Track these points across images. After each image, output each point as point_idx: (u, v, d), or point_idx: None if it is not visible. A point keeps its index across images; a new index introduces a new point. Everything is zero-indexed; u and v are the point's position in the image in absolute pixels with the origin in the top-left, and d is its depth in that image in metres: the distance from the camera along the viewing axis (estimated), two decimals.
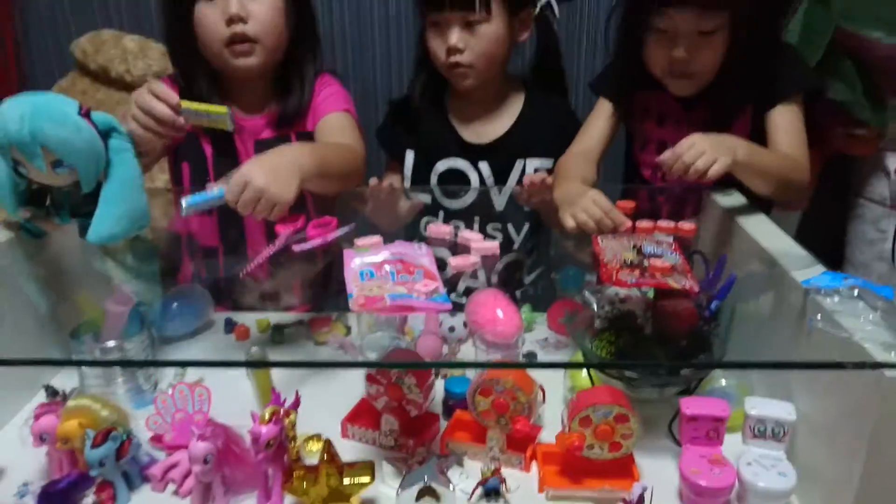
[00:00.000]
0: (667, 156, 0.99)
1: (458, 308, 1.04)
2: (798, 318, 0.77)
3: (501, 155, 1.32)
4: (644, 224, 1.02)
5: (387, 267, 0.84)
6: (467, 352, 1.07)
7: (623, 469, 0.80)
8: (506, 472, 0.79)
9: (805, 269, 0.83)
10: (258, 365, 0.98)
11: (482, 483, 0.76)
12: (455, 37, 1.23)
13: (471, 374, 0.99)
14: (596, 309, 0.96)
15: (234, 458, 0.80)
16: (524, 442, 0.85)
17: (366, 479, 0.77)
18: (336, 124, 1.24)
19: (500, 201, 1.30)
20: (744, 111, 1.19)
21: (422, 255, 0.89)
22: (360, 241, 0.92)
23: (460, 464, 0.85)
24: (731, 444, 0.81)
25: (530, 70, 1.39)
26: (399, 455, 0.87)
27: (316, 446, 0.87)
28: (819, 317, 0.70)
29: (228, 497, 0.79)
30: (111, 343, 0.97)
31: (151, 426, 0.87)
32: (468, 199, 1.31)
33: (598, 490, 0.79)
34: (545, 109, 1.35)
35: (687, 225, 1.03)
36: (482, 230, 1.30)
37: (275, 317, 1.19)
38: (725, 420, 0.80)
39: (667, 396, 0.90)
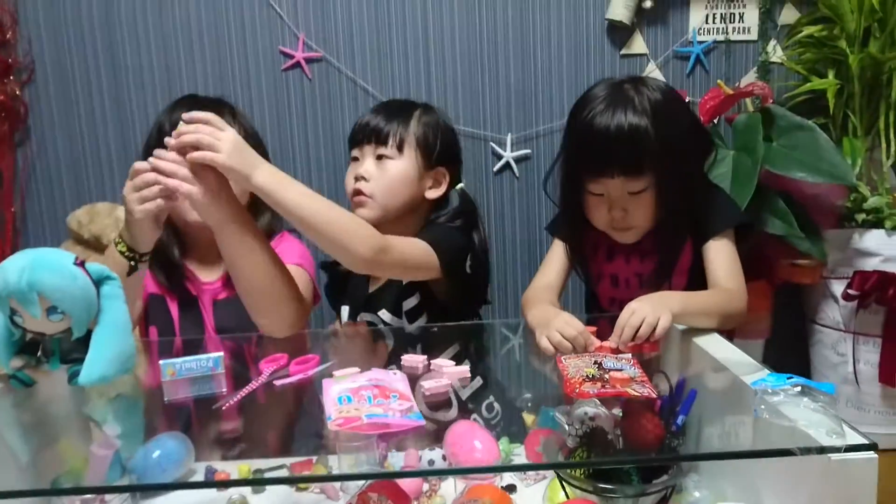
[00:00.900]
0: (615, 335, 1.08)
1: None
2: (749, 416, 0.82)
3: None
4: (609, 343, 1.09)
5: (364, 392, 0.89)
6: (447, 486, 1.08)
7: None
8: None
9: (753, 373, 0.89)
10: None
11: None
12: (363, 167, 1.36)
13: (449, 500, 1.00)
14: (567, 428, 0.99)
15: None
16: None
17: None
18: None
19: (465, 334, 1.36)
20: (684, 242, 1.31)
21: (397, 381, 0.94)
22: (338, 373, 0.97)
23: None
24: None
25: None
26: None
27: None
28: (763, 407, 0.75)
29: None
30: (91, 496, 0.97)
31: None
32: (432, 332, 1.37)
33: None
34: None
35: (648, 344, 1.10)
36: None
37: (255, 463, 1.19)
38: None
39: None
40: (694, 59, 1.89)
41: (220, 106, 1.36)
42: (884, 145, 1.72)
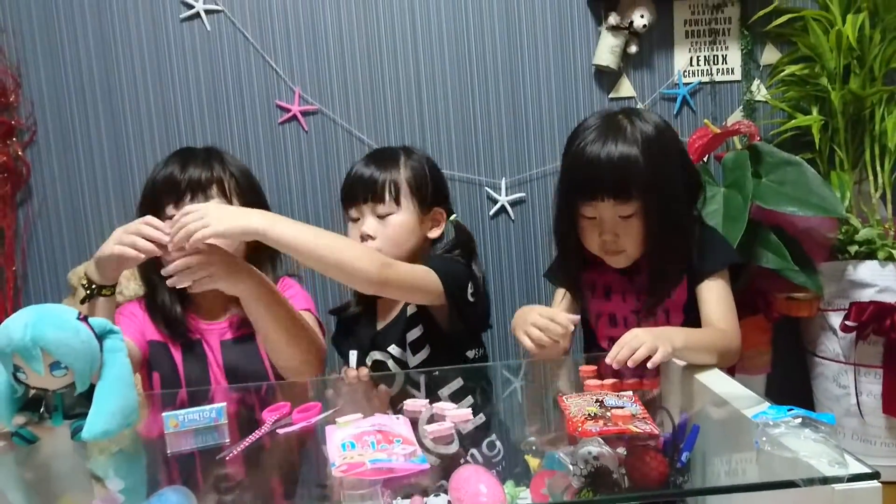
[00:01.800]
0: (612, 353, 1.10)
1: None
2: (752, 449, 0.82)
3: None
4: (610, 381, 1.09)
5: (367, 437, 0.89)
6: None
7: None
8: None
9: (754, 406, 0.89)
10: None
11: None
12: (366, 225, 1.39)
13: None
14: (571, 468, 0.99)
15: None
16: None
17: None
18: None
19: (469, 378, 1.36)
20: (679, 280, 1.33)
21: (400, 425, 0.94)
22: (341, 419, 0.97)
23: None
24: None
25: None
26: None
27: None
28: (765, 439, 0.75)
29: None
30: None
31: None
32: (435, 374, 1.37)
33: None
34: None
35: (651, 380, 1.10)
36: None
37: None
38: None
39: None
40: (680, 101, 1.94)
41: (208, 153, 1.39)
42: (871, 177, 1.75)
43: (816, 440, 0.75)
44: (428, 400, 1.08)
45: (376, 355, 1.45)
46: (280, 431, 1.01)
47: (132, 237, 1.17)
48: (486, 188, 1.94)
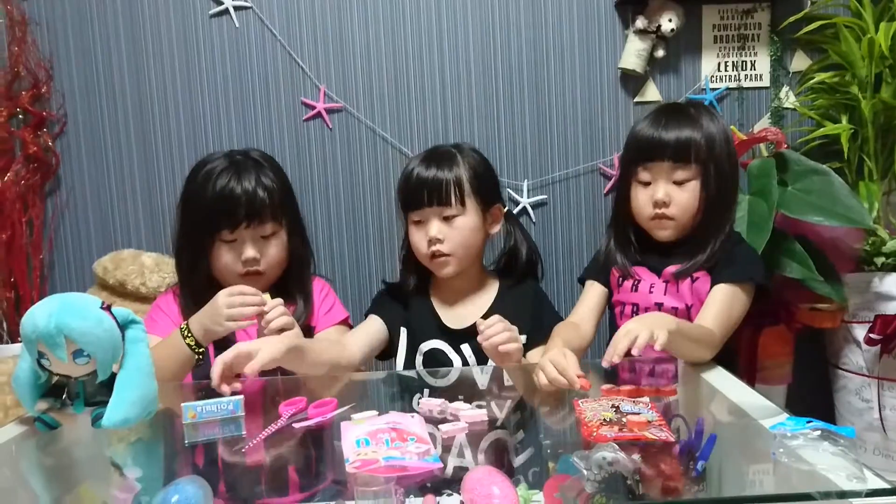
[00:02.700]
0: (608, 353, 1.10)
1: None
2: (769, 460, 0.81)
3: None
4: (627, 388, 1.09)
5: (381, 435, 0.89)
6: None
7: None
8: None
9: (772, 417, 0.88)
10: None
11: None
12: (434, 229, 1.40)
13: None
14: (585, 473, 0.99)
15: None
16: None
17: None
18: (334, 336, 1.46)
19: (482, 380, 1.37)
20: (703, 276, 1.36)
21: (414, 424, 0.94)
22: (356, 416, 0.98)
23: None
24: None
25: (503, 259, 1.57)
26: None
27: None
28: (782, 450, 0.74)
29: None
30: None
31: None
32: (451, 378, 1.39)
33: None
34: (517, 295, 1.50)
35: (668, 387, 1.10)
36: None
37: None
38: None
39: None
40: None
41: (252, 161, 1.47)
42: None
43: (835, 453, 0.74)
44: (443, 399, 1.08)
45: (437, 343, 1.47)
46: (296, 426, 1.02)
47: (239, 310, 1.29)
48: (508, 189, 1.94)
